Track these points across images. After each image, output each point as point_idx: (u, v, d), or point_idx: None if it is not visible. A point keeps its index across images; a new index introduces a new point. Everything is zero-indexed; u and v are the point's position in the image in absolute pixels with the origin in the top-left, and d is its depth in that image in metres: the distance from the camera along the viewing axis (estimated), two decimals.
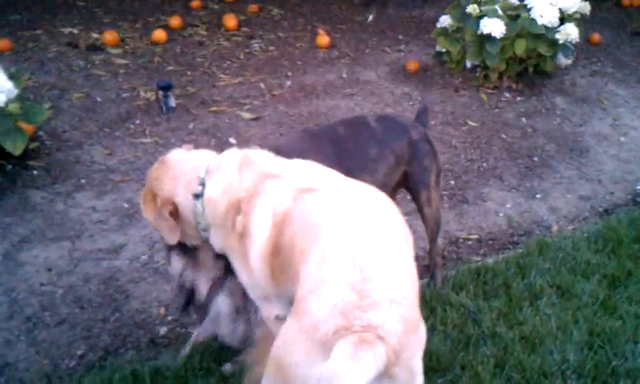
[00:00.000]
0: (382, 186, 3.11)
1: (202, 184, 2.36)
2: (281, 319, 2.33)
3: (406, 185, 3.35)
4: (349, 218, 2.01)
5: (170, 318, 3.24)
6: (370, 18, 7.95)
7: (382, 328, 1.68)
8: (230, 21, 7.17)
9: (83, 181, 4.27)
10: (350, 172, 2.87)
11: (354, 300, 1.73)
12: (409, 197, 4.26)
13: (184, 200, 2.40)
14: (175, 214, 2.42)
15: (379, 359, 1.64)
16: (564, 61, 6.12)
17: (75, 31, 6.79)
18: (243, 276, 2.37)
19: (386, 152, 3.17)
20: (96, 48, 6.38)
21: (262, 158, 2.39)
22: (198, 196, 2.36)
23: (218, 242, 2.42)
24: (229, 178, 2.32)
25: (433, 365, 2.82)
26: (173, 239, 2.48)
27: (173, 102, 5.19)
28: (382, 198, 2.17)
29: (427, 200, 3.31)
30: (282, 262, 2.13)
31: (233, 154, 2.42)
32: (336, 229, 1.97)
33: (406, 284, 1.87)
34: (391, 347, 1.67)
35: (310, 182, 2.21)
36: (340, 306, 1.73)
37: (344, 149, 3.07)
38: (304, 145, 3.04)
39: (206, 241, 2.49)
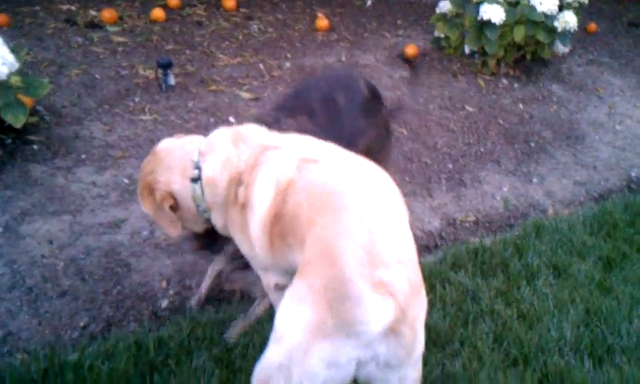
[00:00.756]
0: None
1: (198, 167, 2.36)
2: (280, 287, 2.39)
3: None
4: (355, 185, 2.06)
5: (171, 291, 3.26)
6: (369, 2, 7.95)
7: (391, 285, 1.74)
8: (229, 1, 7.14)
9: (83, 156, 4.26)
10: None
11: (365, 258, 1.78)
12: (407, 178, 4.34)
13: (181, 187, 2.40)
14: (175, 206, 2.44)
15: (391, 313, 1.70)
16: (561, 49, 6.17)
17: (73, 8, 6.74)
18: (244, 247, 2.39)
19: (371, 126, 3.25)
20: (94, 25, 6.34)
21: (254, 132, 2.41)
22: (195, 180, 2.36)
23: (219, 220, 2.44)
24: (226, 153, 2.33)
25: (433, 339, 2.87)
26: (174, 232, 2.49)
27: (172, 80, 5.19)
28: (378, 169, 2.22)
29: None
30: (281, 230, 2.16)
31: (223, 132, 2.43)
32: (344, 195, 2.02)
33: (410, 248, 1.94)
34: (399, 304, 1.73)
35: (311, 152, 2.24)
36: (354, 263, 1.77)
37: (337, 124, 3.11)
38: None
39: (208, 222, 2.51)
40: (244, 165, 2.28)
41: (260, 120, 2.98)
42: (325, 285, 1.77)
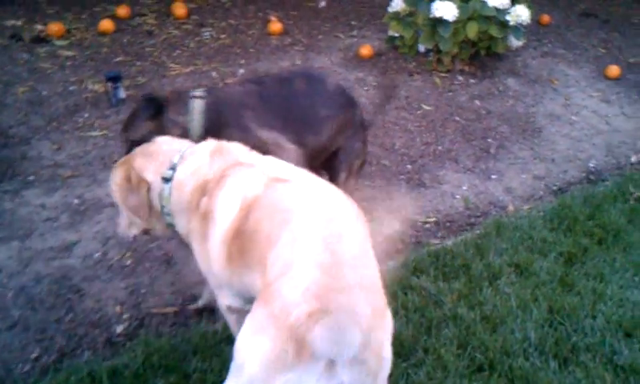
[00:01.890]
0: (323, 150, 3.20)
1: (173, 168, 2.40)
2: (232, 310, 2.37)
3: (329, 163, 3.38)
4: (319, 206, 2.02)
5: (126, 315, 3.14)
6: (323, 3, 7.89)
7: (353, 312, 1.69)
8: (180, 9, 7.02)
9: (31, 178, 4.12)
10: (297, 129, 3.02)
11: (327, 282, 1.73)
12: (367, 182, 4.28)
13: (153, 181, 2.45)
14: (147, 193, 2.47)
15: (356, 343, 1.66)
16: (515, 42, 6.17)
17: (19, 23, 6.55)
18: (201, 260, 2.37)
19: (335, 116, 3.25)
20: (41, 40, 6.17)
21: (236, 148, 2.44)
22: (167, 180, 2.40)
23: (182, 228, 2.45)
24: (199, 162, 2.37)
25: (396, 349, 2.79)
26: (143, 215, 2.50)
27: (122, 94, 5.05)
28: (344, 195, 2.18)
29: (344, 183, 3.32)
30: (241, 246, 2.12)
31: (208, 143, 2.47)
32: (307, 214, 1.98)
33: (374, 271, 1.89)
34: (363, 331, 1.68)
35: (281, 173, 2.24)
36: (313, 288, 1.72)
37: (295, 103, 3.16)
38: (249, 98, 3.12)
39: (170, 226, 2.52)
40: (212, 175, 2.30)
41: (209, 88, 3.19)
42: (284, 310, 1.71)
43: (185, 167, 2.38)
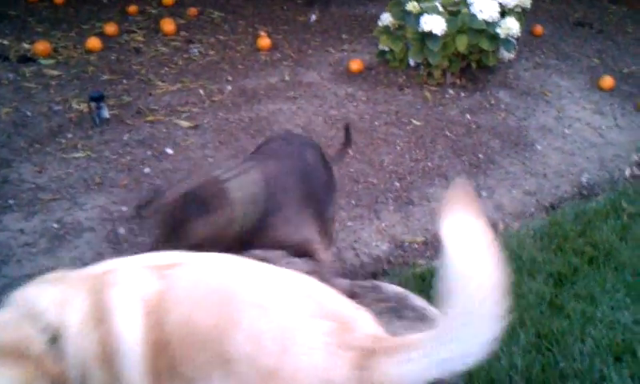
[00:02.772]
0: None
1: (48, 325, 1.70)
2: None
3: None
4: (253, 279, 1.76)
5: None
6: (313, 17, 7.83)
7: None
8: (168, 25, 6.95)
9: (11, 201, 4.03)
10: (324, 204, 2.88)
11: (335, 327, 1.57)
12: (353, 201, 4.20)
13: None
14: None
15: None
16: (506, 55, 6.09)
17: (5, 42, 6.49)
18: None
19: (334, 179, 3.14)
20: (27, 59, 6.10)
21: (73, 272, 1.88)
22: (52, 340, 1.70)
23: None
24: (60, 296, 1.74)
25: None
26: None
27: (106, 113, 4.98)
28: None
29: (332, 229, 3.24)
30: (170, 358, 1.66)
31: (41, 283, 1.84)
32: (245, 286, 1.71)
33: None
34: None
35: (161, 259, 1.84)
36: (333, 340, 1.55)
37: (316, 179, 2.92)
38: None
39: None
40: (88, 304, 1.72)
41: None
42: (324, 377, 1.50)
43: (56, 311, 1.71)
